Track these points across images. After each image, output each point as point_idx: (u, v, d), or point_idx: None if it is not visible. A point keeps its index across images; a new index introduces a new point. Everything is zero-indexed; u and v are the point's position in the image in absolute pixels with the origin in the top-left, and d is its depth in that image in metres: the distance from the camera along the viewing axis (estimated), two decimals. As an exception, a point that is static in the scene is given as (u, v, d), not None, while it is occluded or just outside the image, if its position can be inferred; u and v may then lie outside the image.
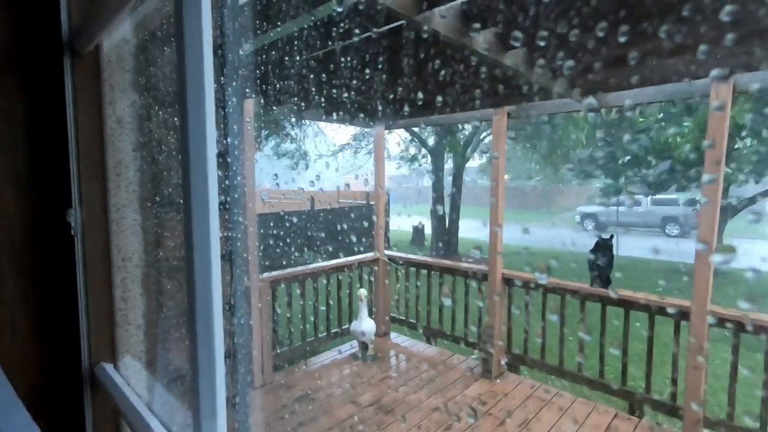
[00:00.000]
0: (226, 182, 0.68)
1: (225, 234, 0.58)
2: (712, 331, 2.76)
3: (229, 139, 0.72)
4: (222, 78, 0.85)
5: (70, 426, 0.94)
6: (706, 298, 2.73)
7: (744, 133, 7.44)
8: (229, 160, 0.68)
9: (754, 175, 8.18)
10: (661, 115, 8.77)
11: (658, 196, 13.37)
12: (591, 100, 3.30)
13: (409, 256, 4.81)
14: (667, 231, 14.00)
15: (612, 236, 3.65)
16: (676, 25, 2.09)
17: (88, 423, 0.93)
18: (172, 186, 0.96)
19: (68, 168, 0.95)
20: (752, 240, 12.12)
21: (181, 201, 0.65)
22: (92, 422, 0.93)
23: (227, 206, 0.66)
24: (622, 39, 2.31)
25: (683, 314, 2.91)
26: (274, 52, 2.76)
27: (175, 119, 0.90)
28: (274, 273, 3.89)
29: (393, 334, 4.78)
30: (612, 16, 2.05)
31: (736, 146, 7.57)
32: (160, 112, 0.97)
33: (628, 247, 11.26)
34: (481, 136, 12.87)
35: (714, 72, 2.64)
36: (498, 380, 3.68)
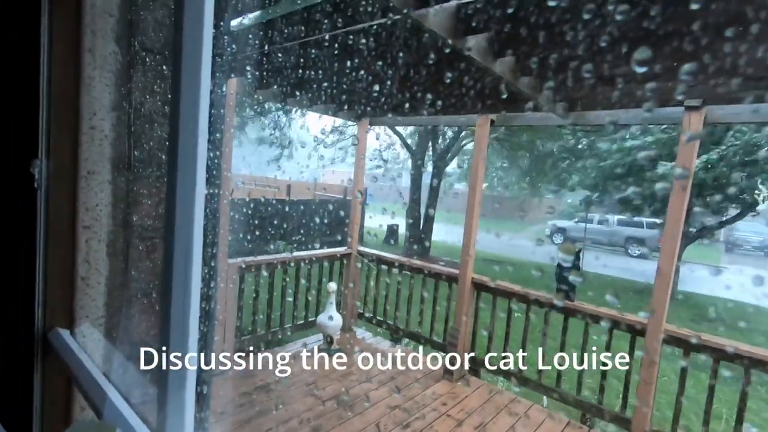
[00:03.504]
0: (217, 135, 0.63)
1: (210, 191, 0.54)
2: (664, 348, 2.89)
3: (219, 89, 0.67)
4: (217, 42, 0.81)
5: (17, 390, 0.86)
6: (662, 317, 2.85)
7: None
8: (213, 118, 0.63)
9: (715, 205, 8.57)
10: (634, 137, 9.11)
11: (623, 217, 13.96)
12: (571, 115, 3.39)
13: (382, 253, 4.80)
14: (629, 251, 14.63)
15: (580, 250, 3.76)
16: (655, 50, 2.15)
17: (36, 388, 0.86)
18: (154, 141, 0.89)
19: (37, 114, 0.87)
20: (705, 266, 12.81)
21: (164, 157, 0.61)
22: (41, 388, 0.86)
23: (215, 160, 0.61)
24: (607, 59, 2.38)
25: (639, 331, 3.04)
26: (254, 35, 2.67)
27: (164, 68, 0.84)
28: (243, 259, 3.79)
29: (359, 330, 4.75)
30: (599, 38, 2.10)
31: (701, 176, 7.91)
32: (147, 61, 0.90)
33: (592, 263, 11.68)
34: (462, 143, 13.04)
35: (687, 101, 2.75)
36: (459, 382, 3.72)
